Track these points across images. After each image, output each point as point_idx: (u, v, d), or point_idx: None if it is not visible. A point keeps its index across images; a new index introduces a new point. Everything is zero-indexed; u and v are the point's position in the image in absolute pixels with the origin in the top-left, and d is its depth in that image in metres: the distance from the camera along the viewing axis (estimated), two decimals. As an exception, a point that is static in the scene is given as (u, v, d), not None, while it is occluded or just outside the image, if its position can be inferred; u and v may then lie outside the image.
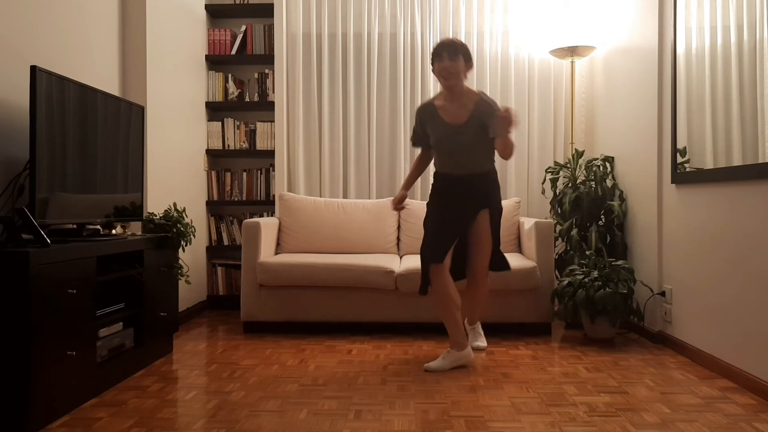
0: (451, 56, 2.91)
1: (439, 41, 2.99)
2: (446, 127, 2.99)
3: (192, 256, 4.24)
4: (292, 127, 4.53)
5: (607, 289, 3.30)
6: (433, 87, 4.47)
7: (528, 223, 3.84)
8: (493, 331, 3.69)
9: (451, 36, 4.46)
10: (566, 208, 3.91)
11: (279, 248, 4.13)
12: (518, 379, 2.74)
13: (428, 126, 3.05)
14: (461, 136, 2.96)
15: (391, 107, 4.51)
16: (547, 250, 3.60)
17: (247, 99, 4.66)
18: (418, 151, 4.48)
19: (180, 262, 3.24)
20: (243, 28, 4.60)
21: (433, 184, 3.11)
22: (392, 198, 2.93)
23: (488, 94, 4.47)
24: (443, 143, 3.00)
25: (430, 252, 2.94)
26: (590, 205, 3.85)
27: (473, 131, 2.96)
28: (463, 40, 4.46)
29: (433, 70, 3.00)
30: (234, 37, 4.62)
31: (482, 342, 3.29)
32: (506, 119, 2.68)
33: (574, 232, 3.82)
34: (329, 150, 4.52)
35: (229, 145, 4.61)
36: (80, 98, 2.59)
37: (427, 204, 3.10)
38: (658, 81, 3.41)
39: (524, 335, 3.59)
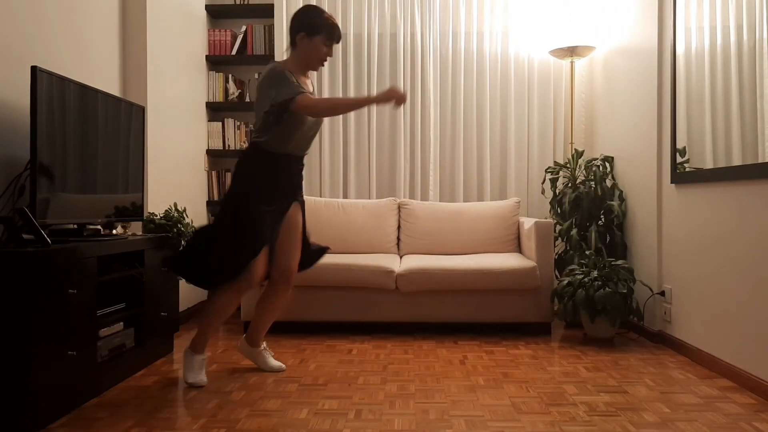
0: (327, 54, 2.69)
1: (330, 16, 2.67)
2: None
3: (192, 256, 4.24)
4: (292, 128, 4.53)
5: (607, 288, 3.30)
6: (433, 87, 4.47)
7: (528, 223, 3.84)
8: (493, 330, 3.69)
9: (450, 36, 4.47)
10: (566, 208, 3.92)
11: (279, 248, 4.13)
12: (518, 378, 2.74)
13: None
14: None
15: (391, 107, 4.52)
16: (547, 250, 3.60)
17: (247, 99, 4.66)
18: (417, 150, 4.50)
19: (180, 262, 3.24)
20: (243, 28, 4.60)
21: (255, 168, 2.63)
22: (400, 95, 2.52)
23: (488, 94, 4.49)
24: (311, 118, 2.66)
25: (245, 256, 2.58)
26: (590, 205, 3.86)
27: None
28: (463, 39, 4.47)
29: (320, 51, 2.65)
30: (234, 38, 4.63)
31: (274, 361, 2.89)
32: (397, 98, 2.51)
33: (574, 232, 3.83)
34: (329, 150, 4.53)
35: (229, 146, 4.61)
36: (81, 98, 2.59)
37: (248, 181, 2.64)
38: (657, 81, 3.41)
39: (524, 335, 3.59)
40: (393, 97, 2.50)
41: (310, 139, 2.77)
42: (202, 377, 2.67)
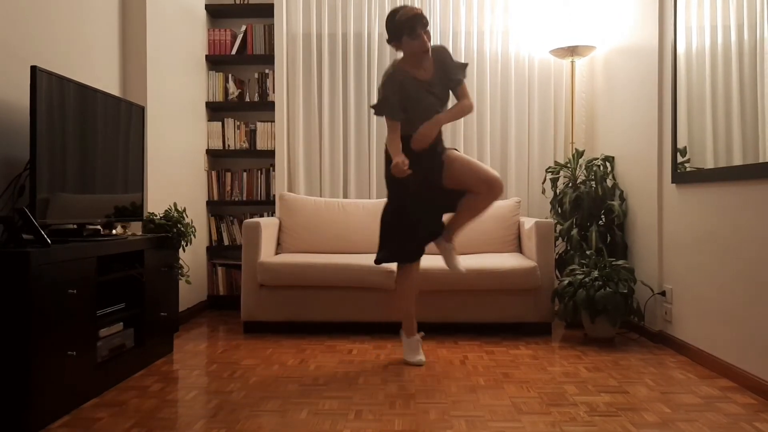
0: (425, 30, 2.82)
1: (403, 12, 2.80)
2: (418, 85, 2.89)
3: (192, 256, 4.24)
4: (293, 127, 4.53)
5: (608, 288, 3.30)
6: (434, 87, 4.47)
7: (528, 222, 3.84)
8: (494, 331, 3.69)
9: (451, 35, 4.47)
10: (566, 208, 3.91)
11: (279, 248, 4.13)
12: (518, 378, 2.74)
13: (406, 92, 2.89)
14: (433, 92, 2.91)
15: (392, 107, 4.51)
16: (548, 249, 3.60)
17: (247, 99, 4.66)
18: None
19: (180, 262, 3.24)
20: (243, 28, 4.60)
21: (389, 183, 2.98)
22: (401, 162, 2.75)
23: (488, 94, 4.48)
24: (418, 104, 2.89)
25: (405, 243, 2.96)
26: (590, 205, 3.85)
27: (442, 90, 2.94)
28: (463, 39, 4.47)
29: (413, 47, 2.81)
30: (234, 37, 4.62)
31: (459, 265, 3.07)
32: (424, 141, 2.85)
33: (575, 231, 3.82)
34: (329, 150, 4.52)
35: (229, 145, 4.61)
36: (80, 98, 2.59)
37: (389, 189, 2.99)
38: (658, 80, 3.41)
39: (524, 335, 3.59)
40: (396, 170, 2.76)
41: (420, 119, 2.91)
42: (419, 357, 2.97)
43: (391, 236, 2.98)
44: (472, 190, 2.91)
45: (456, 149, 3.06)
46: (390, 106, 2.87)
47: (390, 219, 2.99)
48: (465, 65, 2.99)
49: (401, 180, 2.86)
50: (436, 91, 2.92)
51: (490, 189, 2.88)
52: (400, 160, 2.75)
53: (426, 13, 4.45)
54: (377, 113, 2.92)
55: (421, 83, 2.90)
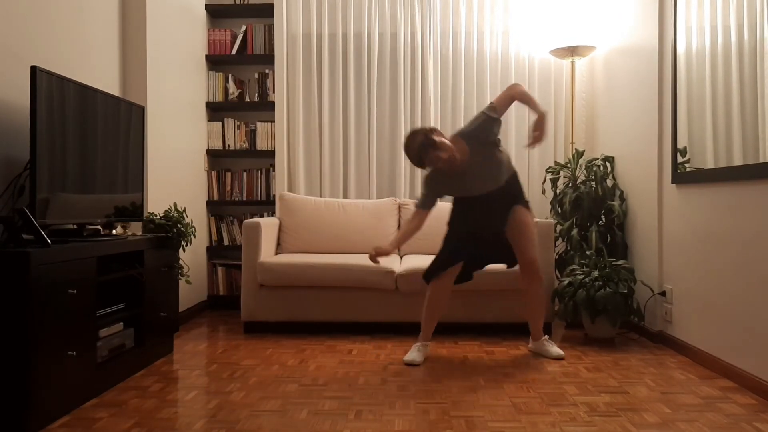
0: (435, 146, 2.86)
1: (410, 147, 2.91)
2: (451, 179, 3.02)
3: (192, 256, 4.24)
4: (293, 128, 4.53)
5: (608, 289, 3.30)
6: (434, 87, 4.47)
7: (528, 223, 3.83)
8: (494, 331, 3.69)
9: (451, 35, 4.47)
10: (566, 208, 3.91)
11: (279, 248, 4.13)
12: (518, 378, 2.73)
13: (441, 189, 3.07)
14: (466, 177, 3.00)
15: (392, 107, 4.51)
16: (548, 249, 3.60)
17: (247, 99, 4.66)
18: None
19: (180, 262, 3.24)
20: (243, 28, 4.60)
21: (453, 207, 3.19)
22: (375, 248, 2.96)
23: (488, 94, 4.48)
24: (461, 190, 3.06)
25: (441, 262, 3.09)
26: (590, 205, 3.85)
27: (475, 156, 2.97)
28: (463, 39, 4.47)
29: (420, 165, 2.95)
30: (234, 37, 4.62)
31: (554, 348, 3.14)
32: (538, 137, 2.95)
33: (575, 232, 3.82)
34: (329, 150, 4.52)
35: (229, 145, 4.61)
36: (80, 98, 2.59)
37: (451, 213, 3.20)
38: (658, 81, 3.41)
39: (525, 335, 3.58)
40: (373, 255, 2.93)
41: (475, 183, 3.03)
42: (413, 356, 3.01)
43: (440, 254, 3.13)
44: (516, 258, 3.10)
45: (528, 206, 3.12)
46: (423, 202, 3.07)
47: (443, 243, 3.17)
48: (482, 114, 3.00)
49: (464, 216, 3.10)
50: (479, 159, 2.97)
51: (525, 272, 3.07)
52: (383, 252, 2.93)
53: (426, 14, 4.46)
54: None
55: (460, 172, 2.99)
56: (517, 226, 3.04)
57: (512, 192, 3.08)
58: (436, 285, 3.09)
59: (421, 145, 2.87)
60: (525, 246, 3.04)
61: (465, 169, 2.97)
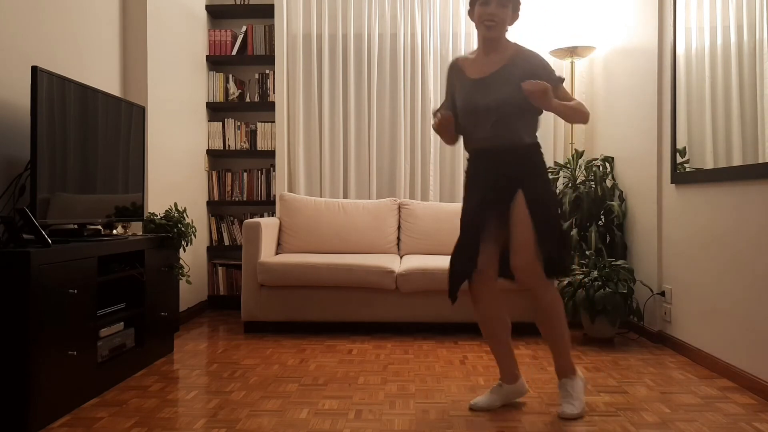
0: (501, 1, 2.41)
1: None
2: (469, 83, 2.38)
3: (193, 256, 4.25)
4: (293, 128, 4.54)
5: (607, 289, 3.30)
6: (433, 87, 4.47)
7: (528, 223, 3.83)
8: (494, 331, 3.69)
9: (451, 36, 4.47)
10: (566, 208, 3.92)
11: (279, 248, 4.13)
12: (518, 378, 2.74)
13: (455, 89, 2.45)
14: (487, 90, 2.33)
15: (392, 107, 4.52)
16: (547, 250, 3.60)
17: (247, 99, 4.67)
18: (418, 150, 4.50)
19: (181, 262, 3.25)
20: (243, 28, 4.60)
21: (465, 172, 2.48)
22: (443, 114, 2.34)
23: (488, 94, 4.47)
24: (466, 105, 2.36)
25: (457, 261, 2.38)
26: (590, 205, 3.86)
27: (503, 87, 2.32)
28: (463, 39, 4.47)
29: (470, 14, 2.43)
30: (234, 38, 4.63)
31: (569, 407, 2.28)
32: (532, 94, 2.21)
33: (574, 232, 3.83)
34: (329, 150, 4.53)
35: (229, 146, 4.62)
36: (81, 98, 2.59)
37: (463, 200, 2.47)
38: (657, 81, 3.41)
39: (524, 335, 3.59)
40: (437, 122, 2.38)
41: (479, 127, 2.38)
42: (479, 400, 2.39)
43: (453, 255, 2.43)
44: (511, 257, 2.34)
45: (538, 197, 2.32)
46: (441, 107, 2.49)
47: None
48: (561, 79, 2.43)
49: (471, 196, 2.41)
50: (493, 92, 2.33)
51: (518, 282, 2.34)
52: (444, 113, 2.34)
53: (426, 14, 4.46)
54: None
55: (472, 81, 2.38)
56: (511, 222, 2.32)
57: (525, 168, 2.33)
58: (473, 299, 2.41)
59: None
60: (513, 249, 2.30)
61: (481, 82, 2.37)
